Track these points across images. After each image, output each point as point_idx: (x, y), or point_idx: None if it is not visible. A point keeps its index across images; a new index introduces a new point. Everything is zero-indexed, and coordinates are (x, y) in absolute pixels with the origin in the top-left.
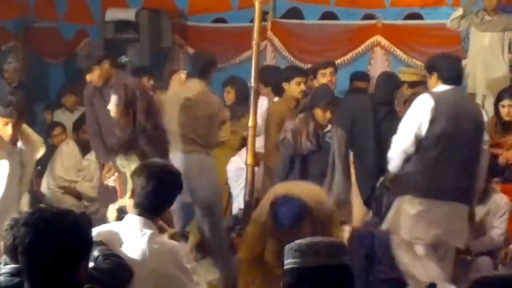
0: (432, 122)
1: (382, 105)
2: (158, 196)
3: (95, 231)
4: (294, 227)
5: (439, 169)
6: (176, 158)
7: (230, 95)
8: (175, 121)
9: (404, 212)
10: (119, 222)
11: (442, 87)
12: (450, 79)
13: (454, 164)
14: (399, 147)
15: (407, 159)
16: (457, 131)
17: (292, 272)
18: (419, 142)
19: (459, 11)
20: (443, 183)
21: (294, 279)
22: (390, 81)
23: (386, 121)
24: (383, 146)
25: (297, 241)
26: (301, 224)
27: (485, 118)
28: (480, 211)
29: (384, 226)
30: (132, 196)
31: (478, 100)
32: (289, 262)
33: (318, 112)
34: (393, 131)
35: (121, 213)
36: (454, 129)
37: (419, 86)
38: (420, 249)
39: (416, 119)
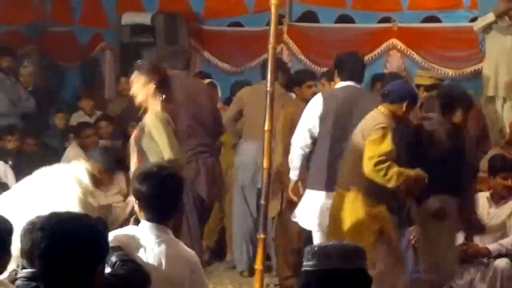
0: (321, 119)
1: None
2: (163, 202)
3: (112, 235)
4: None
5: (330, 163)
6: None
7: None
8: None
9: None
10: (135, 227)
11: (339, 84)
12: (346, 76)
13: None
14: (296, 145)
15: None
16: (346, 127)
17: (305, 275)
18: (315, 140)
19: (490, 17)
20: (334, 176)
21: (305, 281)
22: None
23: None
24: None
25: (314, 244)
26: None
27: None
28: (502, 212)
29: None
30: (139, 206)
31: (498, 103)
32: (305, 265)
33: None
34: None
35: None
36: (344, 125)
37: (436, 89)
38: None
39: (308, 117)
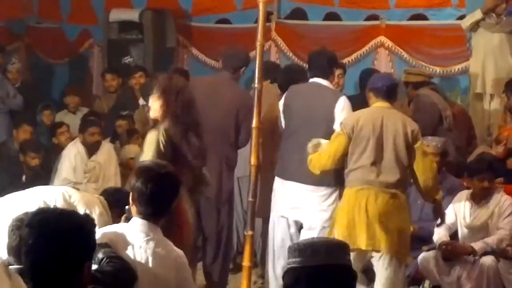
0: (284, 113)
1: None
2: (157, 200)
3: (101, 232)
4: None
5: (289, 154)
6: None
7: None
8: None
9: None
10: (125, 224)
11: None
12: (312, 73)
13: (301, 150)
14: None
15: None
16: (306, 120)
17: (291, 272)
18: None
19: (478, 14)
20: (291, 166)
21: (292, 278)
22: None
23: None
24: None
25: (298, 241)
26: None
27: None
28: (484, 212)
29: None
30: (132, 200)
31: (485, 100)
32: (289, 262)
33: None
34: None
35: (130, 213)
36: (303, 119)
37: (424, 86)
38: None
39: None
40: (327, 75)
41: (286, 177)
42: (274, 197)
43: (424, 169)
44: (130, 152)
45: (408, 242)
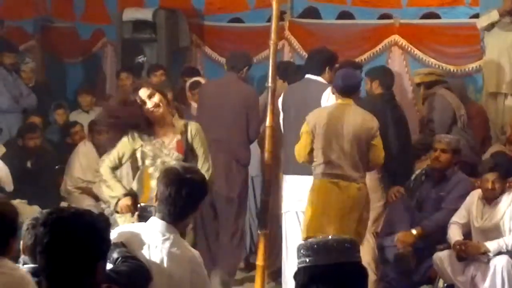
0: (282, 111)
1: (386, 103)
2: (177, 203)
3: (117, 231)
4: None
5: (289, 149)
6: None
7: None
8: None
9: None
10: (143, 223)
11: None
12: (306, 69)
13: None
14: None
15: None
16: (299, 114)
17: (304, 271)
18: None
19: (495, 15)
20: (291, 160)
21: (306, 277)
22: (388, 75)
23: (390, 116)
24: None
25: (309, 240)
26: None
27: (324, 98)
28: (496, 213)
29: None
30: (156, 199)
31: (499, 99)
32: (301, 261)
33: None
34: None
35: (143, 212)
36: (297, 113)
37: (438, 85)
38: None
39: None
40: (320, 72)
41: (290, 172)
42: (283, 196)
43: (372, 156)
44: None
45: (366, 227)
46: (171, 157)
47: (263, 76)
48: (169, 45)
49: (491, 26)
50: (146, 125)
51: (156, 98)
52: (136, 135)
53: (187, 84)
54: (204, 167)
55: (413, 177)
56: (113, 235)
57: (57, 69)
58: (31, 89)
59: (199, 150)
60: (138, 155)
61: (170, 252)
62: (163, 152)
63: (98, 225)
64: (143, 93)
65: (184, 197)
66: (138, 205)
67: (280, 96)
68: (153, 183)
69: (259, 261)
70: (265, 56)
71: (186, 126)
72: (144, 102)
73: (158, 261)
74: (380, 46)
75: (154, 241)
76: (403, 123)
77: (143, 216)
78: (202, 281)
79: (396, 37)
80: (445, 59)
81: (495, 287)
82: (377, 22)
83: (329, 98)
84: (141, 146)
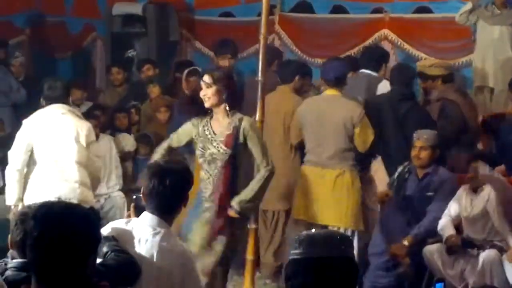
0: None
1: (403, 100)
2: (162, 195)
3: (110, 226)
4: None
5: None
6: None
7: None
8: None
9: None
10: (135, 218)
11: None
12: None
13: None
14: None
15: None
16: None
17: (291, 263)
18: None
19: (468, 5)
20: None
21: (292, 270)
22: (403, 73)
23: (410, 115)
24: (408, 138)
25: (303, 232)
26: None
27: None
28: (480, 200)
29: None
30: (143, 194)
31: (486, 93)
32: (291, 253)
33: None
34: (419, 122)
35: (138, 202)
36: None
37: (446, 83)
38: None
39: None
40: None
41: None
42: None
43: (357, 142)
44: (127, 144)
45: (360, 211)
46: (219, 150)
47: (253, 71)
48: (159, 39)
49: (474, 18)
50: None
51: (214, 88)
52: (197, 122)
53: (185, 72)
54: (262, 163)
55: (396, 174)
56: (107, 230)
57: (47, 64)
58: (20, 84)
59: (255, 147)
60: (195, 143)
61: (160, 245)
62: (213, 144)
63: (88, 218)
64: (206, 78)
65: (167, 188)
66: (133, 196)
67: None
68: (202, 174)
69: (249, 255)
70: (255, 50)
71: (240, 121)
72: (201, 88)
73: (148, 254)
74: (370, 40)
75: (145, 235)
76: (413, 120)
77: (139, 207)
78: (192, 275)
79: (386, 31)
80: (435, 53)
81: (484, 281)
82: (367, 16)
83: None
84: (197, 135)
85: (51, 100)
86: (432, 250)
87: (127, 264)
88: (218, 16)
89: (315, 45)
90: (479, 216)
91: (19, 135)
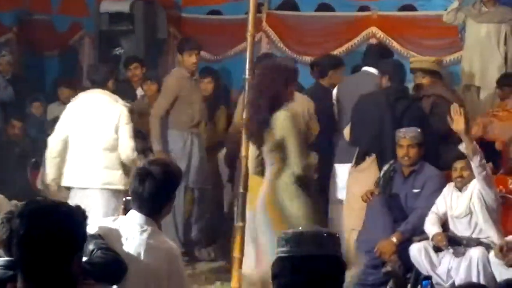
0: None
1: (400, 98)
2: (144, 195)
3: (98, 224)
4: None
5: None
6: None
7: None
8: None
9: None
10: (123, 216)
11: None
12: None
13: None
14: None
15: None
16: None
17: (278, 261)
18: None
19: (455, 4)
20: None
21: (279, 268)
22: (397, 70)
23: (408, 114)
24: None
25: (288, 230)
26: None
27: None
28: (465, 197)
29: None
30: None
31: (473, 92)
32: (277, 251)
33: None
34: (416, 119)
35: (128, 205)
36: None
37: (439, 80)
38: None
39: None
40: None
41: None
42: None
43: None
44: None
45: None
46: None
47: (241, 69)
48: (146, 37)
49: (462, 16)
50: None
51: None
52: None
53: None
54: (294, 161)
55: (381, 173)
56: (94, 228)
57: (35, 62)
58: (8, 82)
59: (288, 142)
60: None
61: (147, 243)
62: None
63: (74, 216)
64: None
65: (149, 189)
66: (124, 199)
67: None
68: None
69: (236, 253)
70: (243, 48)
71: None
72: None
73: (135, 252)
74: (358, 38)
75: (132, 233)
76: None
77: (128, 210)
78: (178, 272)
79: (374, 29)
80: (422, 50)
81: (471, 278)
82: (354, 14)
83: None
84: None
85: (94, 84)
86: (419, 247)
87: (113, 262)
88: (206, 14)
89: (304, 43)
90: (464, 213)
91: (62, 117)
